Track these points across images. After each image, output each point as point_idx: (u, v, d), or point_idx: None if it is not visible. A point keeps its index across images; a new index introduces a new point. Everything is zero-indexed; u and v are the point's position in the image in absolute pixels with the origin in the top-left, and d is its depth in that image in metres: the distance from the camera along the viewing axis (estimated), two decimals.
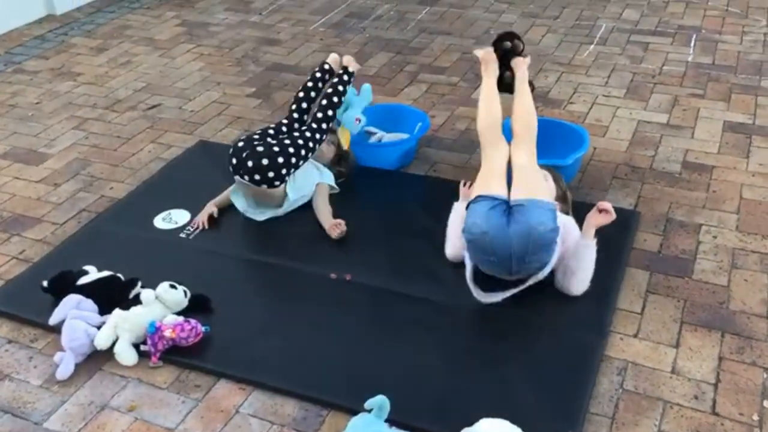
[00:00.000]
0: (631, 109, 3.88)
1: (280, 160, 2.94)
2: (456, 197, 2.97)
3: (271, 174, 2.94)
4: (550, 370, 2.36)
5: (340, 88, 3.28)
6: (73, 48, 5.01)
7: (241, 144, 3.00)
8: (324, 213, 3.06)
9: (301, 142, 3.03)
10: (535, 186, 2.62)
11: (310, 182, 3.14)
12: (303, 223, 3.08)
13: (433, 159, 3.54)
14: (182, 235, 3.06)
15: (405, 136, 3.49)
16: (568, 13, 5.16)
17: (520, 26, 4.97)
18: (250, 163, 2.93)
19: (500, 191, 2.59)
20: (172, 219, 3.16)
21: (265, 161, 2.92)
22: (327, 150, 3.32)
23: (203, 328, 2.51)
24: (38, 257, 2.99)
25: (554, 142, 3.20)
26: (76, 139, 3.89)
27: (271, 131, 3.11)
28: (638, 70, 4.30)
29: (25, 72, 4.69)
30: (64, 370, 2.41)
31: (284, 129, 3.15)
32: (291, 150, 2.98)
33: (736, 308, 2.58)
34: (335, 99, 3.24)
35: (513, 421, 2.06)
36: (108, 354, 2.49)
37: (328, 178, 3.23)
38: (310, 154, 3.09)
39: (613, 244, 2.79)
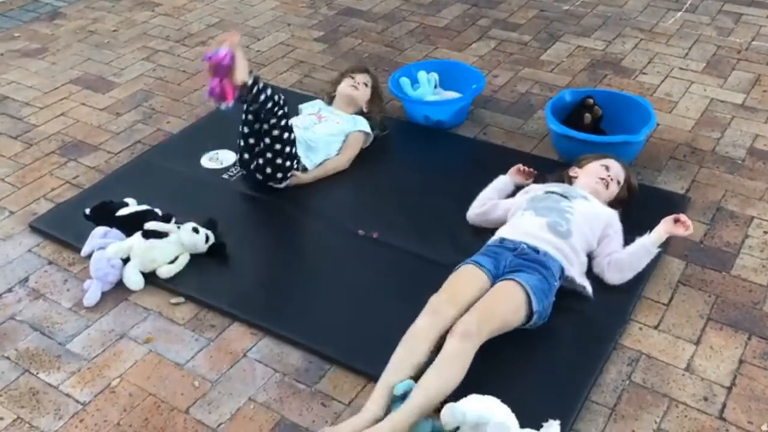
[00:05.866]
0: (707, 86, 3.66)
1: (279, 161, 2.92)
2: (504, 169, 2.91)
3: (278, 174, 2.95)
4: (558, 352, 2.31)
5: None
6: None
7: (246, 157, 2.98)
8: (325, 166, 3.08)
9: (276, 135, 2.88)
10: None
11: (333, 145, 3.13)
12: (340, 175, 3.10)
13: (486, 121, 3.46)
14: (225, 176, 3.12)
15: (457, 95, 3.42)
16: None
17: None
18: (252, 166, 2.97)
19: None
20: (218, 159, 3.22)
21: (268, 170, 2.94)
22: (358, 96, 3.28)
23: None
24: (89, 184, 3.12)
25: (620, 115, 3.16)
26: (144, 70, 4.00)
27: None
28: (724, 43, 4.04)
29: None
30: (91, 297, 2.54)
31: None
32: (278, 150, 2.90)
33: None
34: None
35: (506, 399, 2.02)
36: None
37: (357, 124, 3.16)
38: (292, 137, 2.94)
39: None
